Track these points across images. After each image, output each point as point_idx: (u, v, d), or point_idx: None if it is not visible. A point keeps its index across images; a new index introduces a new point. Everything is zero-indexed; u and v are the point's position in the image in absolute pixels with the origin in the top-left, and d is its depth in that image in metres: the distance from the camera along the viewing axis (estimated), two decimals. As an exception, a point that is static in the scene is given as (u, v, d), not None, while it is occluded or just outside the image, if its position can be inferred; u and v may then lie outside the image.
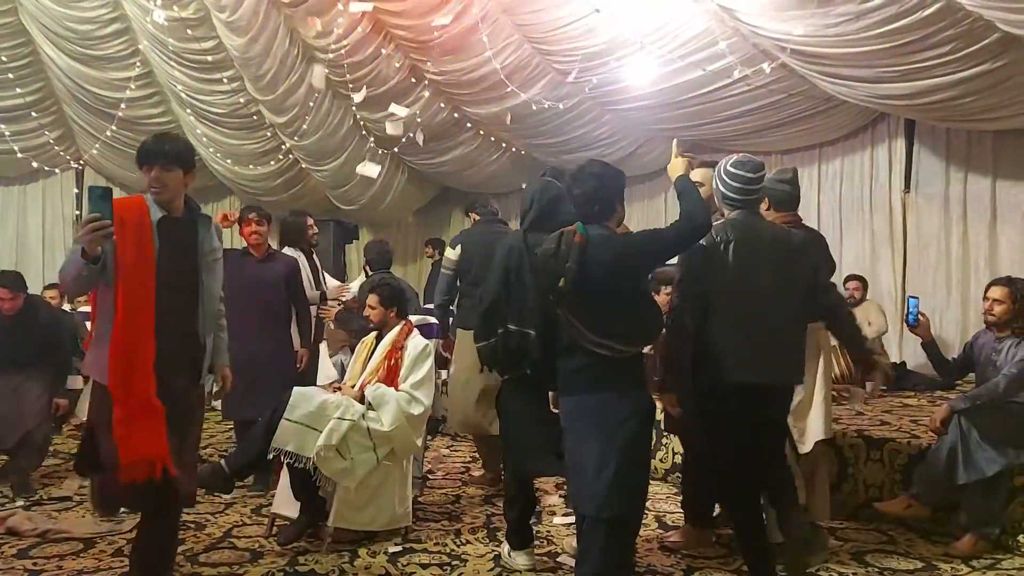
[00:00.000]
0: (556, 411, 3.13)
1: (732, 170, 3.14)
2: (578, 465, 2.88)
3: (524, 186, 4.07)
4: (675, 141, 3.26)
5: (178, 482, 2.82)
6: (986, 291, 4.03)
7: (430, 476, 5.19)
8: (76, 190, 10.89)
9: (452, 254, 4.93)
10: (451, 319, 5.17)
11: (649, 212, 9.37)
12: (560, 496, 4.61)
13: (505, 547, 3.69)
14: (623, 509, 2.83)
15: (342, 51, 7.97)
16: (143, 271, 2.80)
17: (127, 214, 2.90)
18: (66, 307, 7.52)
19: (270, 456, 3.83)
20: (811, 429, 3.61)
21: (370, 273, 5.81)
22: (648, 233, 3.01)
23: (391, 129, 7.95)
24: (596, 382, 2.84)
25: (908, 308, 4.16)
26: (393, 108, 7.86)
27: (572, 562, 3.42)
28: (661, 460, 5.08)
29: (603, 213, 2.91)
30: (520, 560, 3.61)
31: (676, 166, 3.06)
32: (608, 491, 2.76)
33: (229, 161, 10.04)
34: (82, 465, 2.99)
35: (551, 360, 3.02)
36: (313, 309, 5.31)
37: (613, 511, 2.79)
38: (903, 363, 6.90)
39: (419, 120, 8.67)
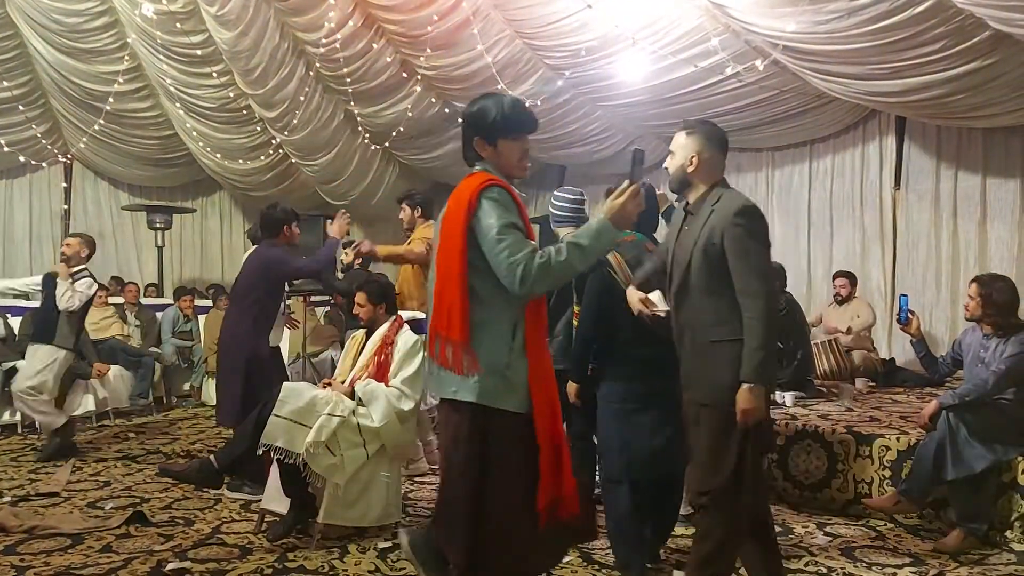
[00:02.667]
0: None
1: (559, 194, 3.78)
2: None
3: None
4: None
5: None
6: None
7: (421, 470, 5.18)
8: (64, 184, 10.82)
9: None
10: None
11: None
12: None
13: None
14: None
15: (334, 45, 7.93)
16: None
17: None
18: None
19: (259, 452, 3.82)
20: None
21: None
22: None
23: None
24: None
25: (900, 306, 4.18)
26: None
27: None
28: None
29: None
30: None
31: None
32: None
33: (219, 155, 9.99)
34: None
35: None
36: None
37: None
38: (892, 359, 6.92)
39: (410, 115, 8.65)
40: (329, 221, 5.52)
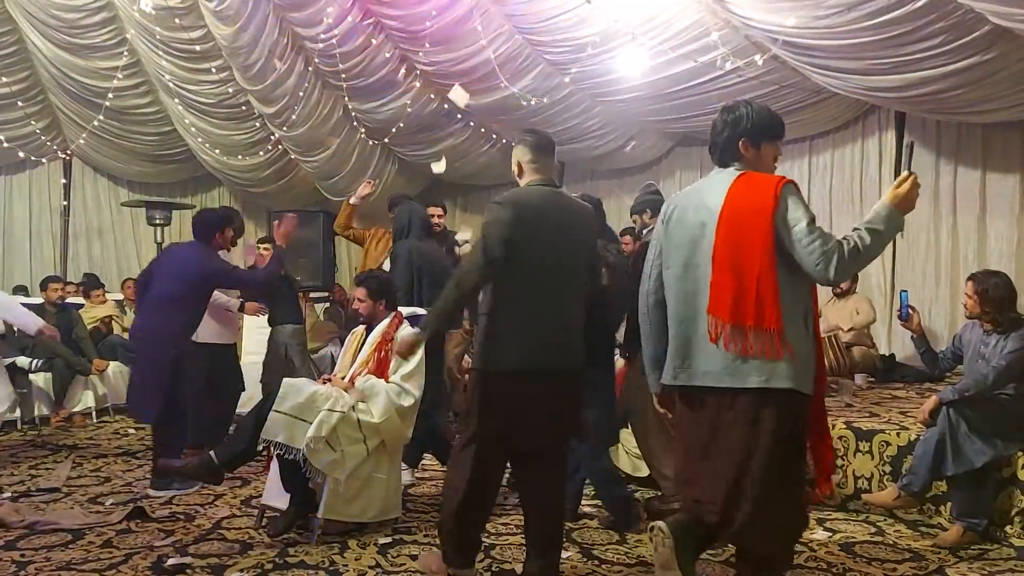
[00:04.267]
0: None
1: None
2: None
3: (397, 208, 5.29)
4: None
5: None
6: None
7: (421, 468, 5.18)
8: (63, 180, 10.80)
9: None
10: None
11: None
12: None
13: None
14: None
15: (332, 40, 7.91)
16: None
17: None
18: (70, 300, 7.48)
19: (260, 447, 3.83)
20: None
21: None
22: None
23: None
24: None
25: (900, 302, 4.18)
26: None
27: None
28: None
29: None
30: None
31: None
32: None
33: (218, 151, 9.97)
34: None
35: None
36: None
37: None
38: (892, 355, 6.92)
39: (409, 110, 8.64)
40: (277, 223, 5.54)
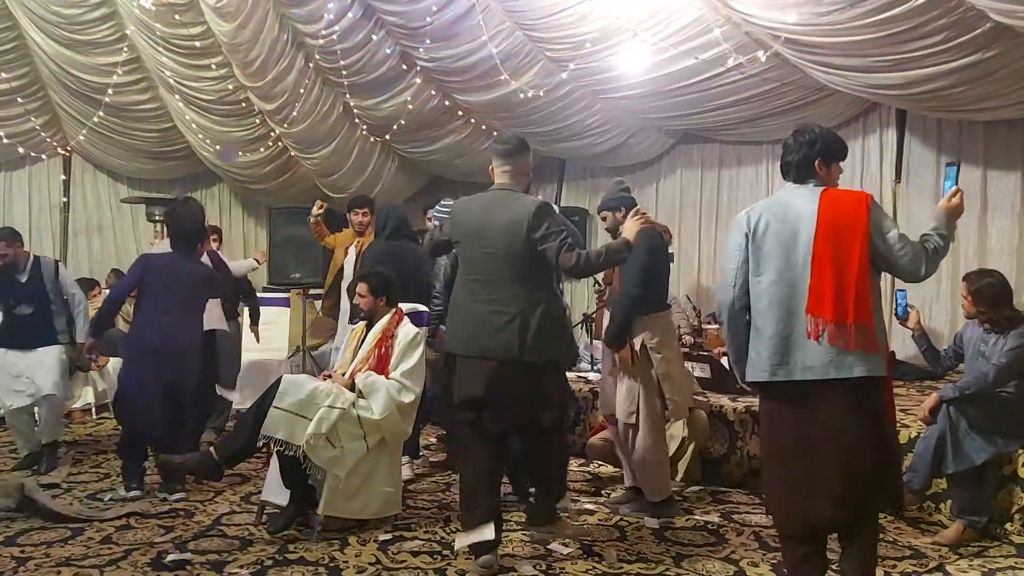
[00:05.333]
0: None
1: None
2: None
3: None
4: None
5: None
6: None
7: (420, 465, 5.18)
8: (63, 176, 10.79)
9: None
10: None
11: (639, 201, 9.17)
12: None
13: None
14: None
15: (333, 37, 7.90)
16: None
17: None
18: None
19: (260, 444, 3.83)
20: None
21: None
22: None
23: None
24: None
25: (896, 302, 4.19)
26: None
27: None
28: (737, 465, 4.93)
29: None
30: None
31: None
32: None
33: (218, 148, 9.96)
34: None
35: None
36: None
37: None
38: (892, 353, 6.91)
39: (410, 107, 8.62)
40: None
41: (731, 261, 2.97)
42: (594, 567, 3.50)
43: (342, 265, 6.13)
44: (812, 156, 3.00)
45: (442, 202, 5.24)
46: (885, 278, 7.53)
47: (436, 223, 4.54)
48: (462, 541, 3.49)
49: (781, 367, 2.81)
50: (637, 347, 4.06)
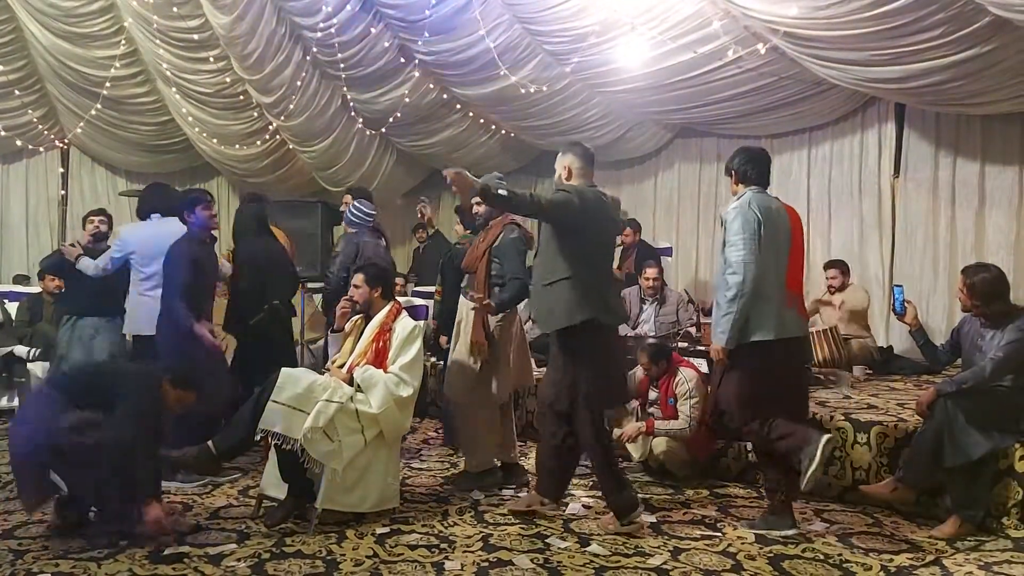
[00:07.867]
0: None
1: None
2: None
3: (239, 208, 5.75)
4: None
5: None
6: None
7: (419, 458, 5.18)
8: (61, 169, 10.78)
9: None
10: None
11: (638, 195, 9.32)
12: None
13: None
14: None
15: (331, 30, 7.88)
16: None
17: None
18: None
19: (258, 437, 3.82)
20: None
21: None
22: None
23: None
24: None
25: (894, 297, 4.19)
26: None
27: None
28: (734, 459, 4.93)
29: None
30: None
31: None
32: None
33: (215, 141, 9.95)
34: None
35: None
36: None
37: None
38: (890, 347, 6.92)
39: (407, 100, 8.61)
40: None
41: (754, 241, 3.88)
42: (591, 560, 3.50)
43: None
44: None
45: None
46: (884, 270, 7.66)
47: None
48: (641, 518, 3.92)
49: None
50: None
